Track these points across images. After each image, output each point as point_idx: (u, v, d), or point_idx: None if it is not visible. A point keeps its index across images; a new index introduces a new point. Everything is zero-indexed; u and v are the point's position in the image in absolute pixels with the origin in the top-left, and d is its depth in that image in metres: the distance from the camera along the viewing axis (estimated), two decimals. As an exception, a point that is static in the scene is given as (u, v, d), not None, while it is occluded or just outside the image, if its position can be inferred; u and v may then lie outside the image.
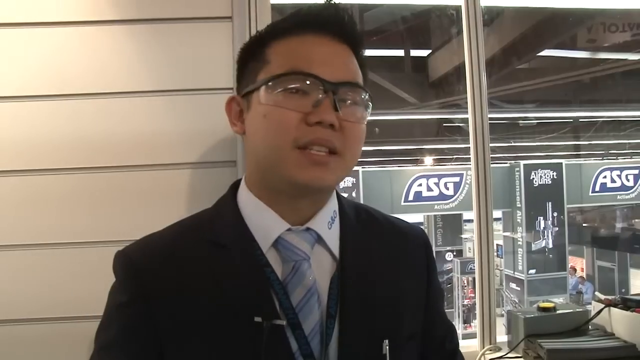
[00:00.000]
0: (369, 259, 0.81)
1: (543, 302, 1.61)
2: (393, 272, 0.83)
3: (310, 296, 0.74)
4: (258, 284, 0.73)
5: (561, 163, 8.17)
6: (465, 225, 11.00)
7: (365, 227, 0.85)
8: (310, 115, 0.71)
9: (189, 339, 0.72)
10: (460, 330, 8.40)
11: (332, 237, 0.80)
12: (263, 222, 0.78)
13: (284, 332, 0.71)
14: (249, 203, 0.80)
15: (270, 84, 0.73)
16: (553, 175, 7.95)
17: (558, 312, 1.54)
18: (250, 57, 0.79)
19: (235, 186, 0.85)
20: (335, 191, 0.86)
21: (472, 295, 8.68)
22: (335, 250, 0.80)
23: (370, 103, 0.79)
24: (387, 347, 0.75)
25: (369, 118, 0.81)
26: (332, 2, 0.78)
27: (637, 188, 8.37)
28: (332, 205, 0.83)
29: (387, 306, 0.79)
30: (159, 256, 0.77)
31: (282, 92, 0.73)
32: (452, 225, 11.11)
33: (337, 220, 0.82)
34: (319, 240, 0.79)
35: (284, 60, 0.74)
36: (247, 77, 0.79)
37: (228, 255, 0.75)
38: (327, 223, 0.80)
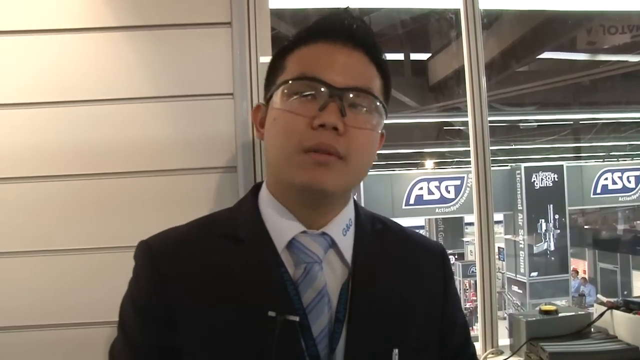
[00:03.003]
0: (381, 269, 0.81)
1: (545, 305, 1.60)
2: (405, 283, 0.83)
3: (321, 299, 0.75)
4: (273, 281, 0.75)
5: (562, 165, 8.18)
6: (467, 228, 11.02)
7: (379, 237, 0.85)
8: (315, 119, 0.72)
9: (202, 329, 0.73)
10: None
11: (346, 244, 0.81)
12: (280, 222, 0.79)
13: (296, 329, 0.72)
14: (268, 204, 0.81)
15: (281, 89, 0.76)
16: (554, 177, 7.95)
17: (560, 315, 1.53)
18: (275, 66, 0.82)
19: (257, 187, 0.87)
20: (353, 201, 0.87)
21: (474, 298, 8.67)
22: (348, 257, 0.80)
23: (384, 110, 0.79)
24: (397, 356, 0.75)
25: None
26: (346, 9, 0.80)
27: (639, 190, 8.37)
28: (348, 213, 0.84)
29: (397, 316, 0.79)
30: (177, 246, 0.79)
31: (292, 97, 0.75)
32: (453, 228, 11.13)
33: (352, 228, 0.83)
34: (333, 245, 0.80)
35: (297, 67, 0.77)
36: (270, 84, 0.82)
37: (244, 251, 0.77)
38: (342, 230, 0.81)
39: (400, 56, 6.43)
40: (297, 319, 0.72)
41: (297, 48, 0.79)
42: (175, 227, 0.84)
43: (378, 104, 0.78)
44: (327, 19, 0.79)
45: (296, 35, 0.81)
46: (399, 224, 0.92)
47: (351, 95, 0.75)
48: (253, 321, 0.72)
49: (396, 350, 0.75)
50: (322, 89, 0.73)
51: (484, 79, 1.66)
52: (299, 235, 0.78)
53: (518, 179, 7.95)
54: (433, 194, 7.78)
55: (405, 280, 0.83)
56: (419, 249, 0.90)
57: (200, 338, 0.74)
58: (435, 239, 1.08)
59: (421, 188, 7.76)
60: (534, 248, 8.07)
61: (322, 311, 0.75)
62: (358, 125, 0.75)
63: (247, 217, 0.82)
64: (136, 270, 0.80)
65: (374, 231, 0.86)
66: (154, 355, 0.75)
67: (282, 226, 0.79)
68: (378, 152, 0.83)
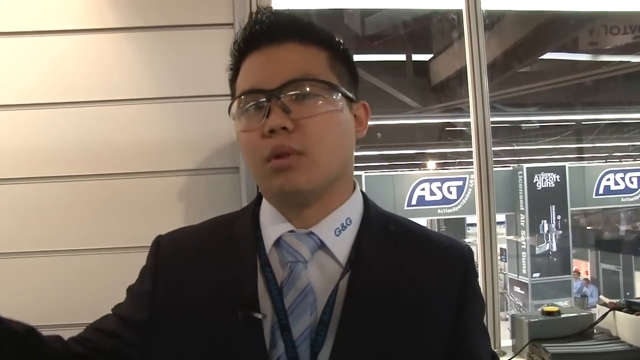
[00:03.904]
0: (387, 274, 0.76)
1: (547, 305, 1.60)
2: (416, 292, 0.76)
3: (303, 299, 0.73)
4: (255, 279, 0.75)
5: (564, 166, 8.16)
6: (469, 229, 10.99)
7: (391, 239, 0.80)
8: (263, 128, 0.72)
9: (179, 322, 0.76)
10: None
11: (341, 244, 0.78)
12: (271, 223, 0.80)
13: (261, 328, 0.72)
14: (265, 207, 0.83)
15: (232, 114, 0.78)
16: (556, 178, 7.94)
17: (562, 316, 1.53)
18: (232, 96, 0.83)
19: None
20: (362, 198, 0.85)
21: (476, 299, 8.64)
22: (342, 258, 0.77)
23: (336, 88, 0.75)
24: None
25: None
26: (257, 10, 0.80)
27: (641, 190, 8.36)
28: (347, 212, 0.80)
29: (398, 327, 0.73)
30: (181, 241, 0.85)
31: (241, 117, 0.76)
32: (455, 229, 11.09)
33: (351, 228, 0.80)
34: (322, 246, 0.77)
35: (238, 91, 0.78)
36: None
37: (235, 249, 0.79)
38: (334, 229, 0.78)
39: (402, 57, 6.43)
40: (259, 316, 0.72)
41: (237, 72, 0.80)
42: (190, 225, 0.88)
43: (323, 85, 0.74)
44: (244, 32, 0.79)
45: (231, 62, 0.81)
46: (421, 226, 0.87)
47: (292, 88, 0.73)
48: (223, 318, 0.73)
49: None
50: (260, 97, 0.73)
51: (486, 80, 1.65)
52: (286, 235, 0.77)
53: (520, 179, 7.93)
54: (435, 194, 7.77)
55: (419, 288, 0.76)
56: (442, 253, 0.82)
57: (172, 330, 0.76)
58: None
59: (423, 189, 7.75)
60: (536, 249, 8.05)
61: (304, 312, 0.72)
62: (308, 114, 0.73)
63: (246, 218, 0.83)
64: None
65: (386, 232, 0.81)
66: (131, 325, 0.79)
67: (272, 227, 0.79)
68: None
